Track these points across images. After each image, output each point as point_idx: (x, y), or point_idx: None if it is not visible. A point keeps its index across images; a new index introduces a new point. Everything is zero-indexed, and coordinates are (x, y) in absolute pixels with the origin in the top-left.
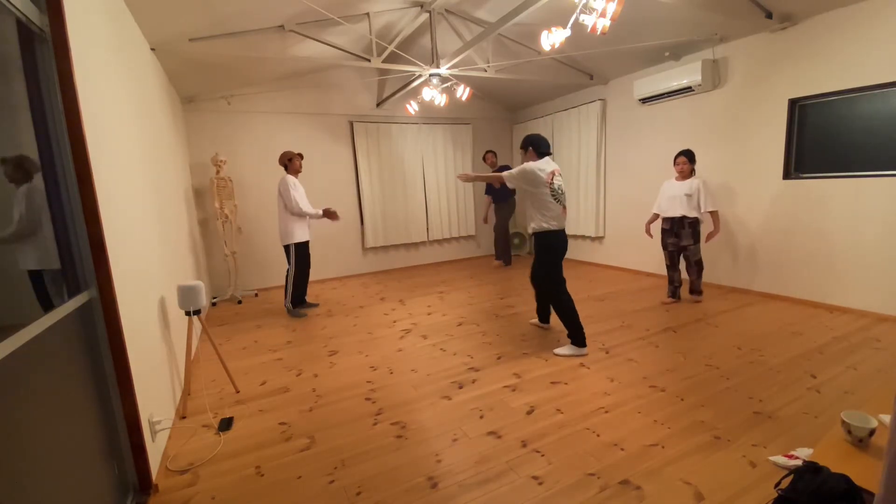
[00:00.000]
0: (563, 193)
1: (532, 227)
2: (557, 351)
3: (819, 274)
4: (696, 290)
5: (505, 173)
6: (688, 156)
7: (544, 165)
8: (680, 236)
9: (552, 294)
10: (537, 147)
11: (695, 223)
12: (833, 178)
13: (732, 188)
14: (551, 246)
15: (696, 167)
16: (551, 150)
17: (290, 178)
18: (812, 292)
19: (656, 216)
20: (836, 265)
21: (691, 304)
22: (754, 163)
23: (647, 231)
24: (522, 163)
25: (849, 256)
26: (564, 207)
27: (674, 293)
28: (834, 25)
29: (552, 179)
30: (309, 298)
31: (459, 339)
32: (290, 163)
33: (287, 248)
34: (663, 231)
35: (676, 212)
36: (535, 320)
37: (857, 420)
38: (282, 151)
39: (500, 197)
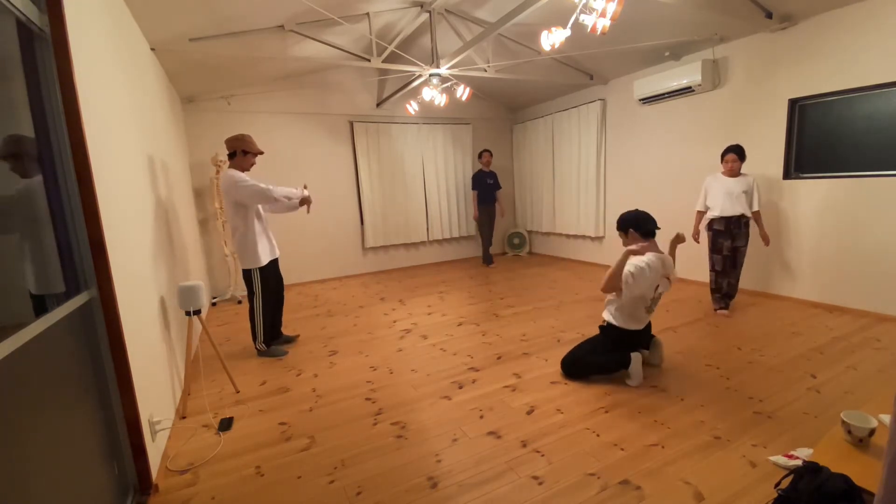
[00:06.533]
0: (658, 300)
1: (605, 316)
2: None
3: (819, 274)
4: (733, 294)
5: (625, 281)
6: (737, 152)
7: (656, 264)
8: (735, 238)
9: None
10: (640, 227)
11: (749, 223)
12: (833, 178)
13: None
14: (620, 339)
15: (699, 166)
16: (658, 227)
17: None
18: (812, 292)
19: (702, 214)
20: (836, 265)
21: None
22: (754, 163)
23: (696, 234)
24: (624, 245)
25: (849, 256)
26: (650, 313)
27: (724, 301)
28: (834, 25)
29: (657, 285)
30: (307, 300)
31: (459, 339)
32: (245, 155)
33: (249, 273)
34: (717, 232)
35: (736, 210)
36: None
37: (857, 420)
38: (260, 146)
39: (484, 199)
